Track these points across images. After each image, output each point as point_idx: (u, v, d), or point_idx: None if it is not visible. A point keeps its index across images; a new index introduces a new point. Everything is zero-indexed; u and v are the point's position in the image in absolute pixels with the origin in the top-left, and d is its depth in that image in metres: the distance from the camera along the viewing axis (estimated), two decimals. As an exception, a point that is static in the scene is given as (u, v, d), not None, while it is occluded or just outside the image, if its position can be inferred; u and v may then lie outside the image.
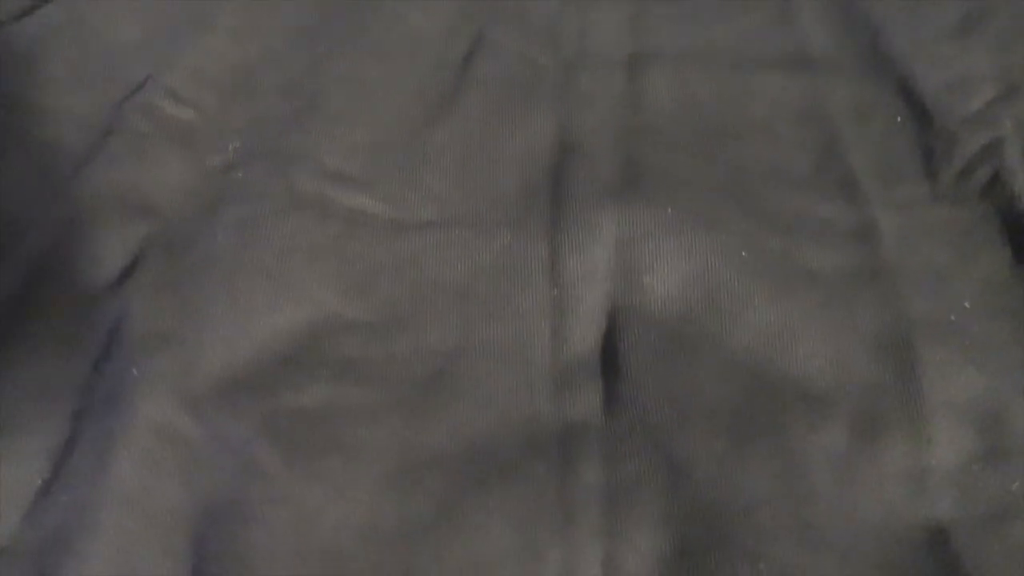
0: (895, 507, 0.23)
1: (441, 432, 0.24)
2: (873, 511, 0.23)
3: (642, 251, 0.27)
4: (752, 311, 0.26)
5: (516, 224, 0.28)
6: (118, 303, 0.25)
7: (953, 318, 0.26)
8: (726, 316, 0.26)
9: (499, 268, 0.27)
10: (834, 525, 0.22)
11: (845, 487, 0.23)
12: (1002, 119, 0.30)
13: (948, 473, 0.23)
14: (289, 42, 0.33)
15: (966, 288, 0.27)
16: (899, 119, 0.31)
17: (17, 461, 0.23)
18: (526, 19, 0.34)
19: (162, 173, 0.29)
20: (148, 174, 0.28)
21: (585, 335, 0.26)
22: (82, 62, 0.31)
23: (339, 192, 0.28)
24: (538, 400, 0.25)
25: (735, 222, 0.28)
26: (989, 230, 0.28)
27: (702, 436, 0.24)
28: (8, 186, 0.28)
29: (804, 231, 0.28)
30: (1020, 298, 0.26)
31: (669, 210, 0.28)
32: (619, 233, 0.27)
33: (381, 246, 0.27)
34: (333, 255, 0.27)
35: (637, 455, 0.24)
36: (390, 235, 0.27)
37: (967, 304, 0.26)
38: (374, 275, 0.27)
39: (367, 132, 0.30)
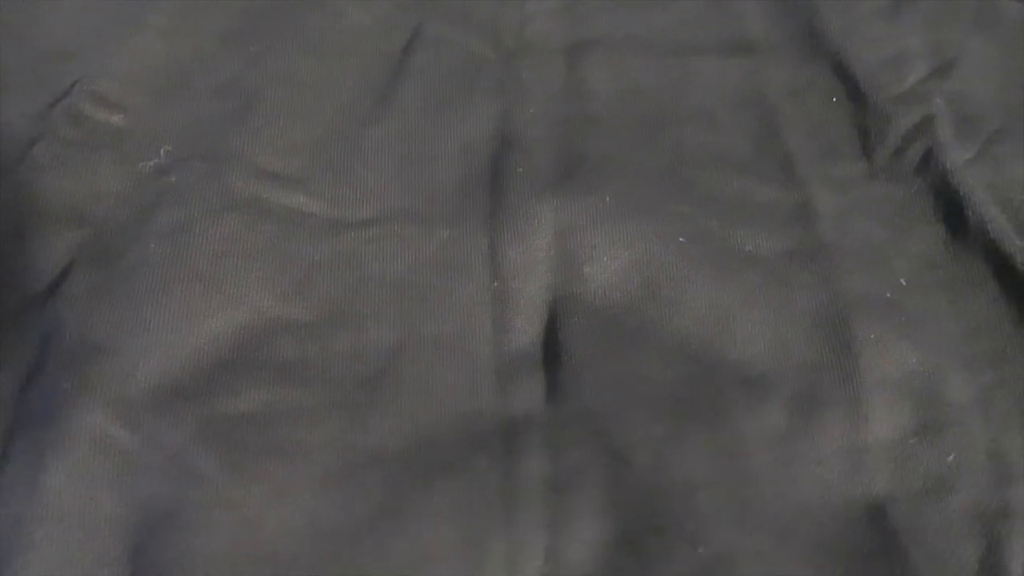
0: (833, 485, 0.23)
1: (383, 430, 0.24)
2: (811, 490, 0.23)
3: (581, 241, 0.27)
4: (691, 296, 0.26)
5: (455, 218, 0.28)
6: (49, 315, 0.25)
7: (889, 295, 0.26)
8: (665, 302, 0.26)
9: (439, 262, 0.27)
10: (773, 505, 0.23)
11: (784, 467, 0.23)
12: (934, 96, 0.30)
13: (884, 449, 0.24)
14: (223, 41, 0.32)
15: (902, 265, 0.27)
16: (834, 99, 0.31)
17: (-51, 480, 0.23)
18: (465, 11, 0.34)
19: (92, 180, 0.28)
20: (77, 182, 0.28)
21: (526, 327, 0.26)
22: (6, 70, 0.31)
23: (275, 192, 0.28)
24: (480, 393, 0.25)
25: (673, 207, 0.28)
26: (923, 206, 0.28)
27: (643, 423, 0.24)
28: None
29: (743, 214, 0.28)
30: (954, 273, 0.27)
31: (608, 199, 0.28)
32: (558, 223, 0.27)
33: (318, 245, 0.27)
34: (269, 256, 0.26)
35: (579, 444, 0.24)
36: (328, 233, 0.27)
37: (903, 281, 0.27)
38: (312, 274, 0.26)
39: (304, 130, 0.30)
